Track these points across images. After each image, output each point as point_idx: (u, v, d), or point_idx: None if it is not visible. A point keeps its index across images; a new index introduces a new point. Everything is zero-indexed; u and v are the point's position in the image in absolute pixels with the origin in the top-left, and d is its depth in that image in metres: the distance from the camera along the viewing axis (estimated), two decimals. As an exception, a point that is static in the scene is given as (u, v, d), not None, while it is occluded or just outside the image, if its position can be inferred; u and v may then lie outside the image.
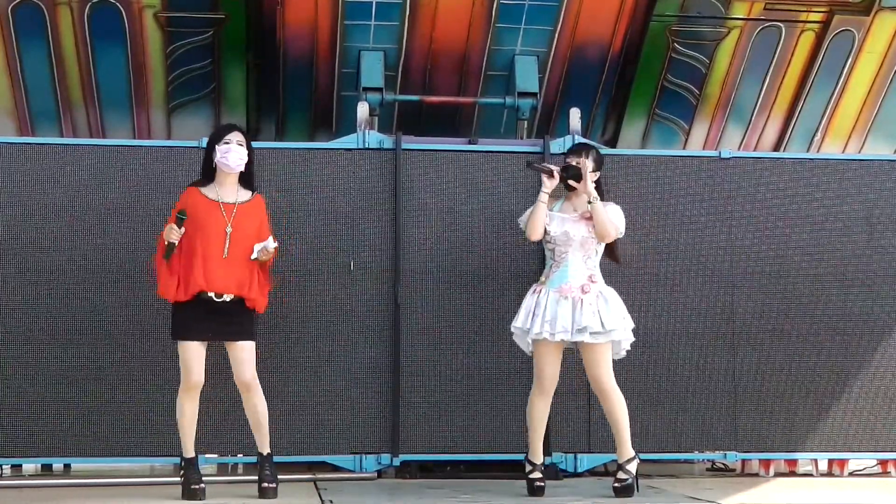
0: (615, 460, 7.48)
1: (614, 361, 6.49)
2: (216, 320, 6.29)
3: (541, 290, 6.52)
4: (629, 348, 6.62)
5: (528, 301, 6.55)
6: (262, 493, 6.37)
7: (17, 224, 7.09)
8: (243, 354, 6.37)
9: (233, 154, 6.36)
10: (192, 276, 6.24)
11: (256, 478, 6.44)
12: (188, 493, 6.30)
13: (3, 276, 7.05)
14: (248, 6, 8.13)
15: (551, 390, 6.55)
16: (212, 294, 6.26)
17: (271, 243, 6.36)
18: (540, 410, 6.56)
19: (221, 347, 6.43)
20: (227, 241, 6.30)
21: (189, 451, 6.37)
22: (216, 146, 6.39)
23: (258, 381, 6.42)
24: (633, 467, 6.54)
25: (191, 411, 6.34)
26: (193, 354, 6.29)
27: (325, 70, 8.34)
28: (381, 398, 7.26)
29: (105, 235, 7.13)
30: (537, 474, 6.57)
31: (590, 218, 6.54)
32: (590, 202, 6.53)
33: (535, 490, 6.54)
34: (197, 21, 8.21)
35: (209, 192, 6.40)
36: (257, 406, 6.41)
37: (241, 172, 6.45)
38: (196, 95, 8.53)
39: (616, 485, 6.51)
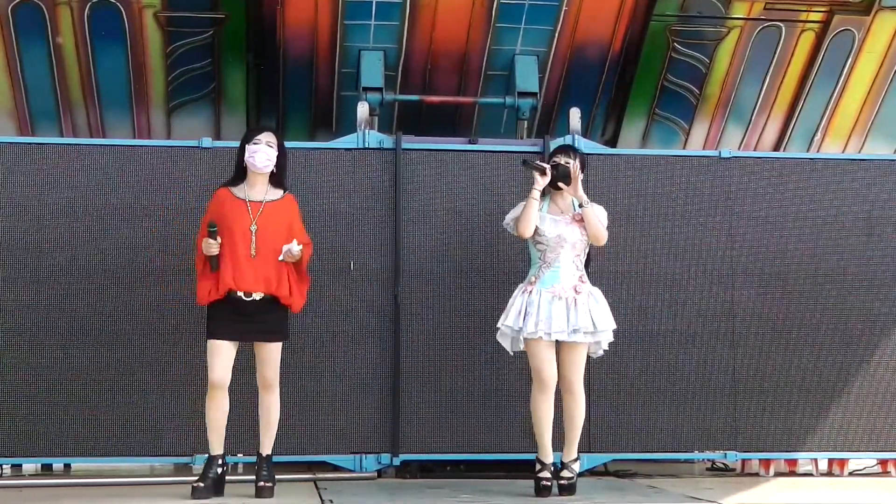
0: (615, 459, 7.51)
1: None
2: (247, 321, 6.31)
3: (531, 290, 6.53)
4: (607, 348, 6.65)
5: (519, 300, 6.55)
6: (259, 493, 6.38)
7: (16, 224, 7.09)
8: (270, 354, 6.40)
9: (260, 154, 6.39)
10: (221, 275, 6.27)
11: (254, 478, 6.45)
12: (193, 491, 6.30)
13: (3, 276, 7.05)
14: (248, 6, 8.13)
15: (553, 387, 6.55)
16: (241, 294, 6.29)
17: (295, 246, 6.35)
18: (545, 409, 6.54)
19: (241, 350, 6.44)
20: (254, 239, 6.32)
21: (213, 449, 6.37)
22: (246, 146, 6.43)
23: (278, 383, 6.45)
24: (577, 467, 6.60)
25: (215, 410, 6.34)
26: (219, 353, 6.30)
27: (325, 70, 8.34)
28: (382, 398, 7.26)
29: (105, 235, 7.12)
30: (546, 473, 6.56)
31: (581, 220, 6.57)
32: (581, 206, 6.57)
33: (541, 490, 6.53)
34: (197, 21, 8.21)
35: (238, 191, 6.43)
36: (271, 407, 6.45)
37: (272, 173, 6.47)
38: (196, 95, 8.53)
39: (562, 482, 6.54)
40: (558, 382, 6.60)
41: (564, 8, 7.97)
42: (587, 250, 6.66)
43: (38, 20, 8.03)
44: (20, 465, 7.59)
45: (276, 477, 6.50)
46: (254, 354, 6.46)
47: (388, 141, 7.40)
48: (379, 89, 8.05)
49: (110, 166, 7.18)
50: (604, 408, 7.35)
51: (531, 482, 6.59)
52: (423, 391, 7.28)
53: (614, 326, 6.62)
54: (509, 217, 6.71)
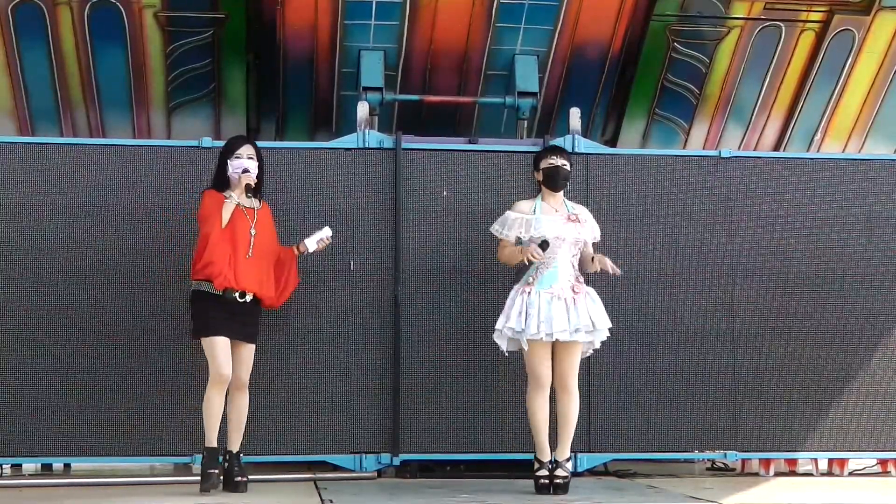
0: (615, 459, 7.51)
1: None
2: (236, 320, 6.45)
3: (530, 291, 6.54)
4: (598, 347, 6.67)
5: (518, 301, 6.55)
6: (236, 487, 6.48)
7: (16, 224, 7.08)
8: (249, 356, 6.55)
9: (250, 173, 6.48)
10: (224, 271, 6.38)
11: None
12: (205, 478, 6.38)
13: (3, 276, 7.05)
14: (248, 6, 8.13)
15: (548, 386, 6.58)
16: (237, 294, 6.40)
17: (328, 231, 6.64)
18: (543, 408, 6.57)
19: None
20: (252, 242, 6.44)
21: (212, 442, 6.45)
22: (228, 160, 6.51)
23: None
24: (570, 466, 6.63)
25: (219, 405, 6.45)
26: (222, 349, 6.40)
27: (325, 70, 8.34)
28: (381, 398, 7.26)
29: (105, 235, 7.12)
30: (544, 472, 6.57)
31: (576, 220, 6.62)
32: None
33: (541, 488, 6.54)
34: (197, 21, 8.22)
35: (228, 197, 6.50)
36: (244, 408, 6.59)
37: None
38: (196, 95, 8.54)
39: (558, 481, 6.54)
40: (553, 381, 6.61)
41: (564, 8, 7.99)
42: (581, 249, 6.67)
43: (38, 20, 8.04)
44: (20, 465, 7.60)
45: (276, 477, 6.51)
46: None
47: (388, 141, 7.40)
48: (379, 89, 8.06)
49: (110, 166, 7.18)
50: (604, 408, 7.35)
51: (531, 482, 6.59)
52: (423, 391, 7.28)
53: (610, 325, 6.64)
54: (502, 228, 6.67)
